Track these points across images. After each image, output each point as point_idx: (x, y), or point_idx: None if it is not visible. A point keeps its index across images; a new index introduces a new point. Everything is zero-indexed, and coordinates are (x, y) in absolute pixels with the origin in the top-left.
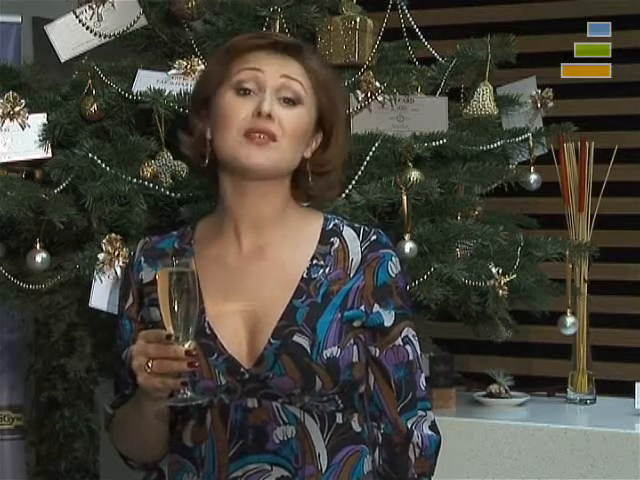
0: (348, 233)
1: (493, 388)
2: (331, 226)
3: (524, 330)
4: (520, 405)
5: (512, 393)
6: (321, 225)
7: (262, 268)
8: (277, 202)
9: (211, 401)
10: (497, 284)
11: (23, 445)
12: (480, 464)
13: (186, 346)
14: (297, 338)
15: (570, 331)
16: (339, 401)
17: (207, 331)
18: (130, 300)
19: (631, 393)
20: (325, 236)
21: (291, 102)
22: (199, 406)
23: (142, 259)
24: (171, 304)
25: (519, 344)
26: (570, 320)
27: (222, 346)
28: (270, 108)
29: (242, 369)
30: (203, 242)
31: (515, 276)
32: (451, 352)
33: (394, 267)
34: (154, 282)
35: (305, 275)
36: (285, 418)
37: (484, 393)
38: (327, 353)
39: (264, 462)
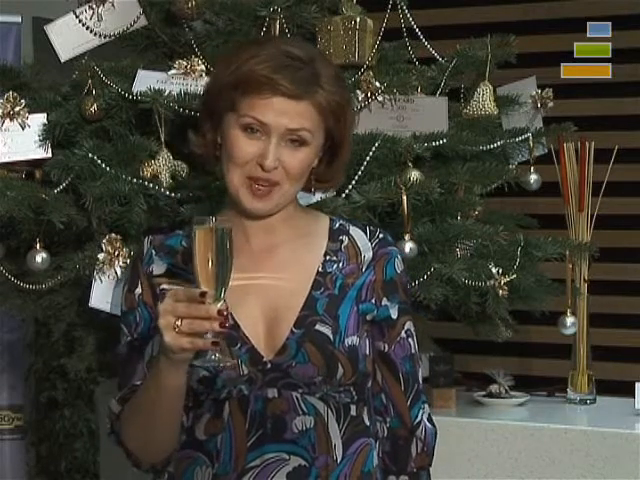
0: (355, 232)
1: (493, 388)
2: (337, 226)
3: (524, 330)
4: (520, 405)
5: (512, 393)
6: (328, 224)
7: (277, 264)
8: (285, 209)
9: (230, 392)
10: (497, 284)
11: (23, 445)
12: (480, 464)
13: (218, 306)
14: (319, 327)
15: (570, 331)
16: (354, 392)
17: (230, 321)
18: (140, 290)
19: (631, 393)
20: (333, 234)
21: (297, 143)
22: (216, 398)
23: (153, 252)
24: (209, 261)
25: (519, 344)
26: (570, 320)
27: (245, 336)
28: (273, 164)
29: (264, 359)
30: None
31: (515, 276)
32: (451, 352)
33: (399, 264)
34: (164, 275)
35: (320, 269)
36: (305, 408)
37: (484, 393)
38: (348, 341)
39: (282, 451)
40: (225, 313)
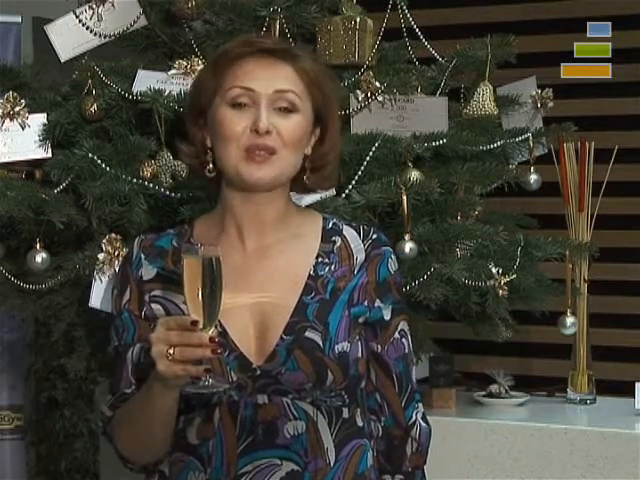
0: (349, 232)
1: (493, 388)
2: (331, 225)
3: (524, 330)
4: (520, 405)
5: (512, 393)
6: (321, 224)
7: (268, 267)
8: (279, 206)
9: (220, 398)
10: (497, 284)
11: (23, 445)
12: (480, 464)
13: (209, 333)
14: (309, 333)
15: (570, 331)
16: (345, 396)
17: (218, 328)
18: (127, 296)
19: (631, 393)
20: (326, 235)
21: (287, 110)
22: (207, 403)
23: (142, 256)
24: (198, 290)
25: (519, 344)
26: (570, 320)
27: (233, 343)
28: (267, 125)
29: (253, 365)
30: (203, 241)
31: (515, 276)
32: (451, 352)
33: (393, 264)
34: (154, 279)
35: (312, 272)
36: (295, 413)
37: (484, 393)
38: (338, 348)
39: (274, 457)
40: (217, 340)
